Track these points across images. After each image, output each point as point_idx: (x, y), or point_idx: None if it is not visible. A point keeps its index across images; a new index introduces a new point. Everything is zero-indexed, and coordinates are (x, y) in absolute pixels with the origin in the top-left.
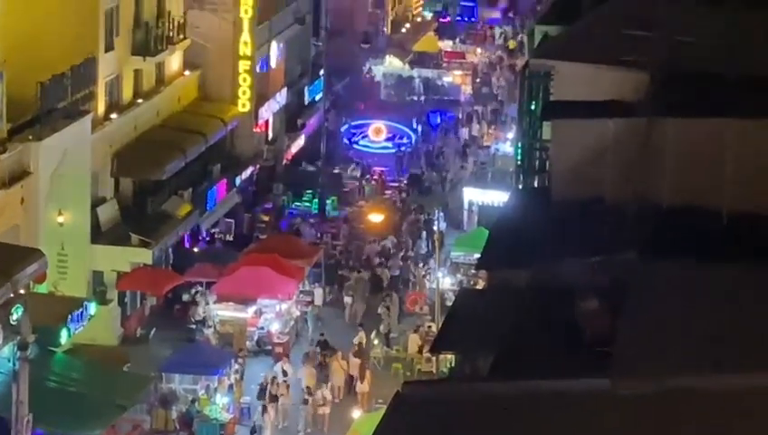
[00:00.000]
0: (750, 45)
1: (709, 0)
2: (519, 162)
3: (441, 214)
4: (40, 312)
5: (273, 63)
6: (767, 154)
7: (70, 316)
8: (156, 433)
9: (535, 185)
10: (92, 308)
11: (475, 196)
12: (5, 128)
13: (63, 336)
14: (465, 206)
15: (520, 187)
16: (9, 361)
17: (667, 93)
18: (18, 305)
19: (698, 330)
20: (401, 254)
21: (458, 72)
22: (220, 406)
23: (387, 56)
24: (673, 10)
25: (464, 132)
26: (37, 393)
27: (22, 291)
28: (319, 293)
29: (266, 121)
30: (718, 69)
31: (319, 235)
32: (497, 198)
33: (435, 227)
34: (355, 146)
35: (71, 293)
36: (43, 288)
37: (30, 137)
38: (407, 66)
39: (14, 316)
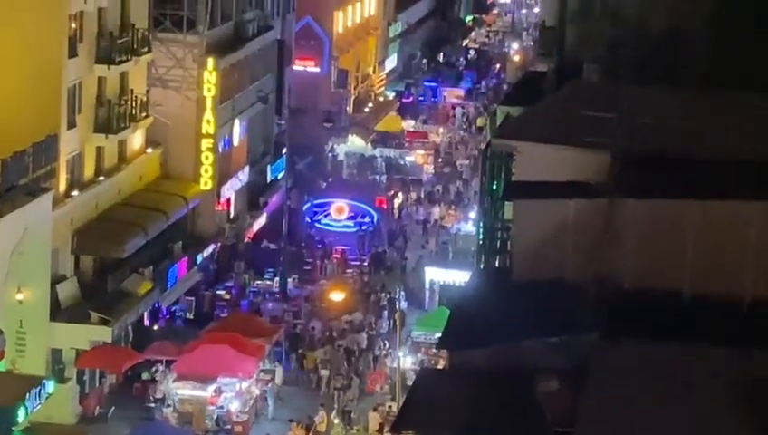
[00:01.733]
0: (710, 128)
1: (669, 83)
2: (481, 242)
3: (402, 293)
4: None
5: (235, 142)
6: (727, 236)
7: (28, 394)
8: None
9: (497, 265)
10: (51, 386)
11: (437, 275)
12: None
13: (21, 415)
14: (427, 285)
15: (481, 266)
16: None
17: (627, 175)
18: None
19: (658, 411)
20: (364, 333)
21: (421, 152)
22: None
23: (349, 135)
24: (633, 93)
25: (425, 212)
26: None
27: None
28: (279, 371)
29: (228, 199)
30: (679, 151)
31: (280, 310)
32: (459, 277)
33: (396, 306)
34: (317, 225)
35: (29, 371)
36: (0, 366)
37: None
38: (369, 145)
39: None
